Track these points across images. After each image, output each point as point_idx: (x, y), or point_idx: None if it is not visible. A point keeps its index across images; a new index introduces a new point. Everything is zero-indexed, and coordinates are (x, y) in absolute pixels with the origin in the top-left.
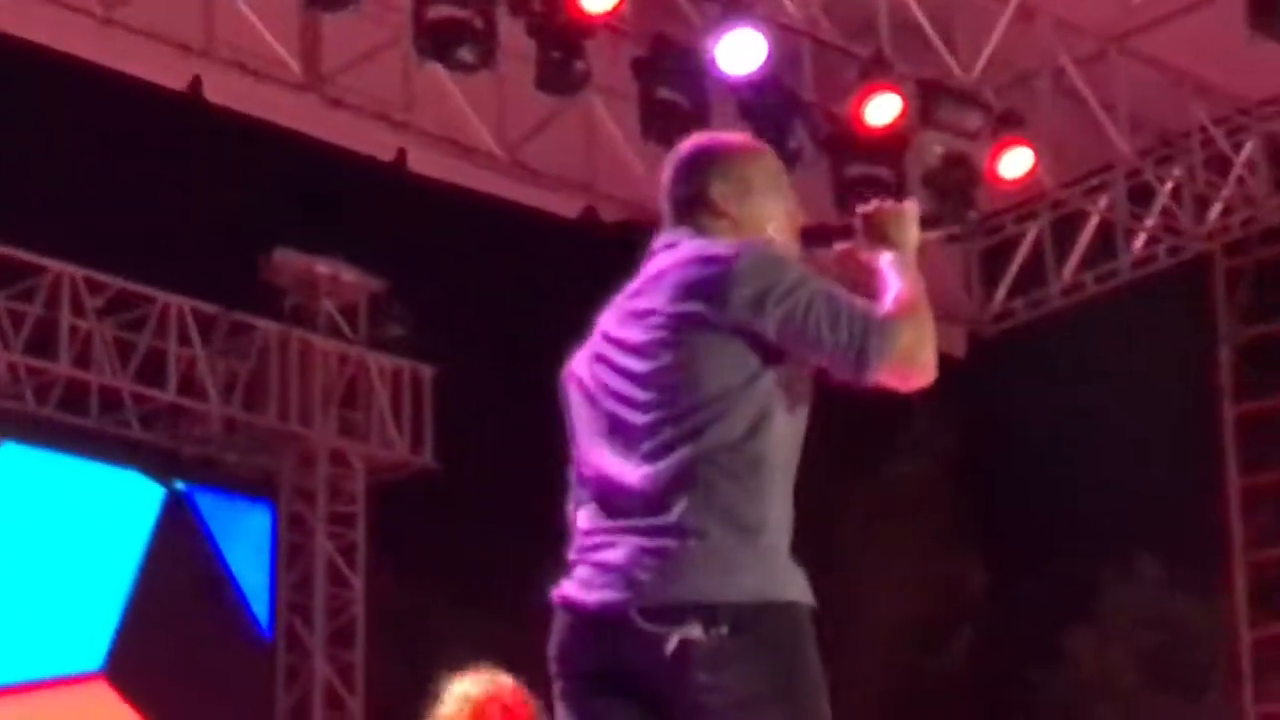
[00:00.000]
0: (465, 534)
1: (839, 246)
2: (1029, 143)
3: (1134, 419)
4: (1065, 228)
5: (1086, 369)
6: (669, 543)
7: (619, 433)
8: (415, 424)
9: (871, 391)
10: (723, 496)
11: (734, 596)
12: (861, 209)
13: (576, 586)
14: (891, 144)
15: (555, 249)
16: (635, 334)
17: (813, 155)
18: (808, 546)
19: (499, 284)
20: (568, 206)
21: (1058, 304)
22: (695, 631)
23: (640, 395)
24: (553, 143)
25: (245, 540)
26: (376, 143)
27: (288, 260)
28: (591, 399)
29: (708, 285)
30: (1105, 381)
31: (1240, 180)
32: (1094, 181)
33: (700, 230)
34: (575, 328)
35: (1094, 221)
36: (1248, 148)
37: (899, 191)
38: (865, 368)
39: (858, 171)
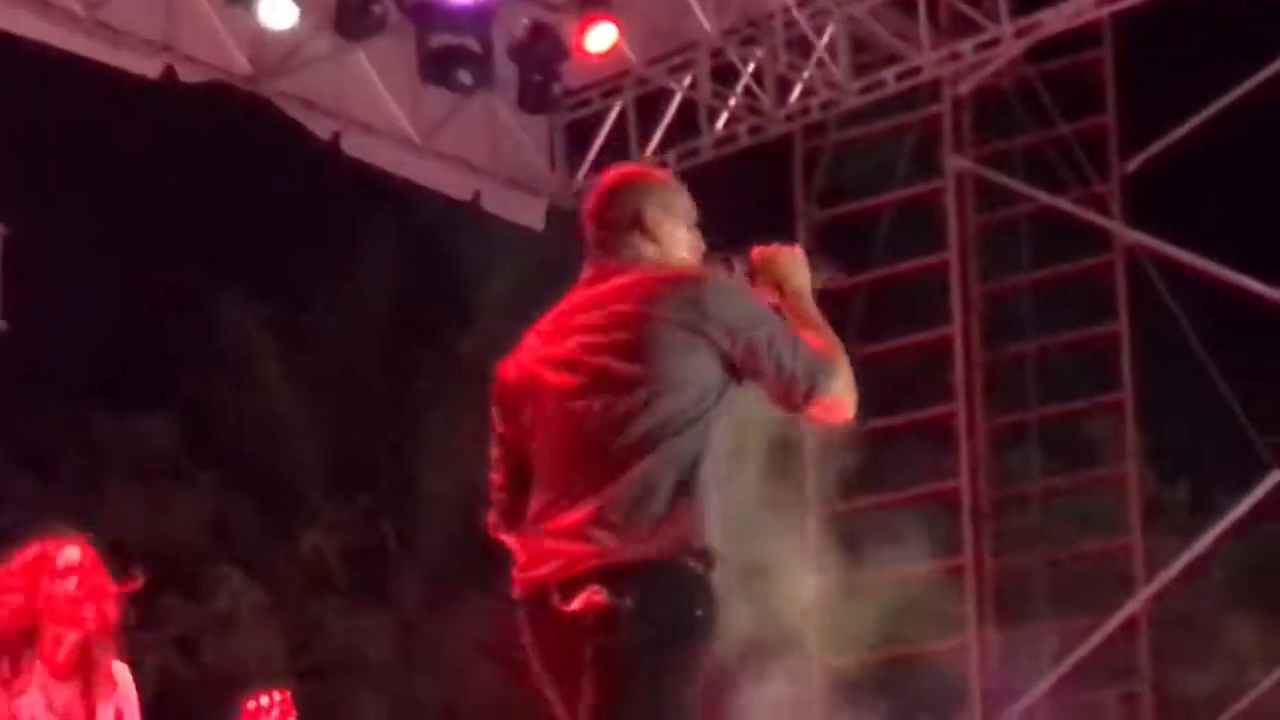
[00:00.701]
0: (34, 397)
1: (735, 277)
2: (614, 18)
3: None
4: (649, 105)
5: None
6: (617, 516)
7: (583, 431)
8: None
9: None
10: (663, 477)
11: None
12: (757, 250)
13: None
14: (478, 15)
15: (134, 109)
16: (600, 337)
17: (398, 23)
18: (380, 418)
19: (76, 143)
20: (148, 66)
21: None
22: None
23: (607, 393)
24: (133, 2)
25: None
26: None
27: None
28: (550, 397)
29: (687, 297)
30: None
31: (821, 63)
32: (678, 59)
33: (633, 250)
34: (153, 187)
35: (677, 99)
36: (829, 31)
37: (486, 63)
38: (809, 400)
39: (444, 41)
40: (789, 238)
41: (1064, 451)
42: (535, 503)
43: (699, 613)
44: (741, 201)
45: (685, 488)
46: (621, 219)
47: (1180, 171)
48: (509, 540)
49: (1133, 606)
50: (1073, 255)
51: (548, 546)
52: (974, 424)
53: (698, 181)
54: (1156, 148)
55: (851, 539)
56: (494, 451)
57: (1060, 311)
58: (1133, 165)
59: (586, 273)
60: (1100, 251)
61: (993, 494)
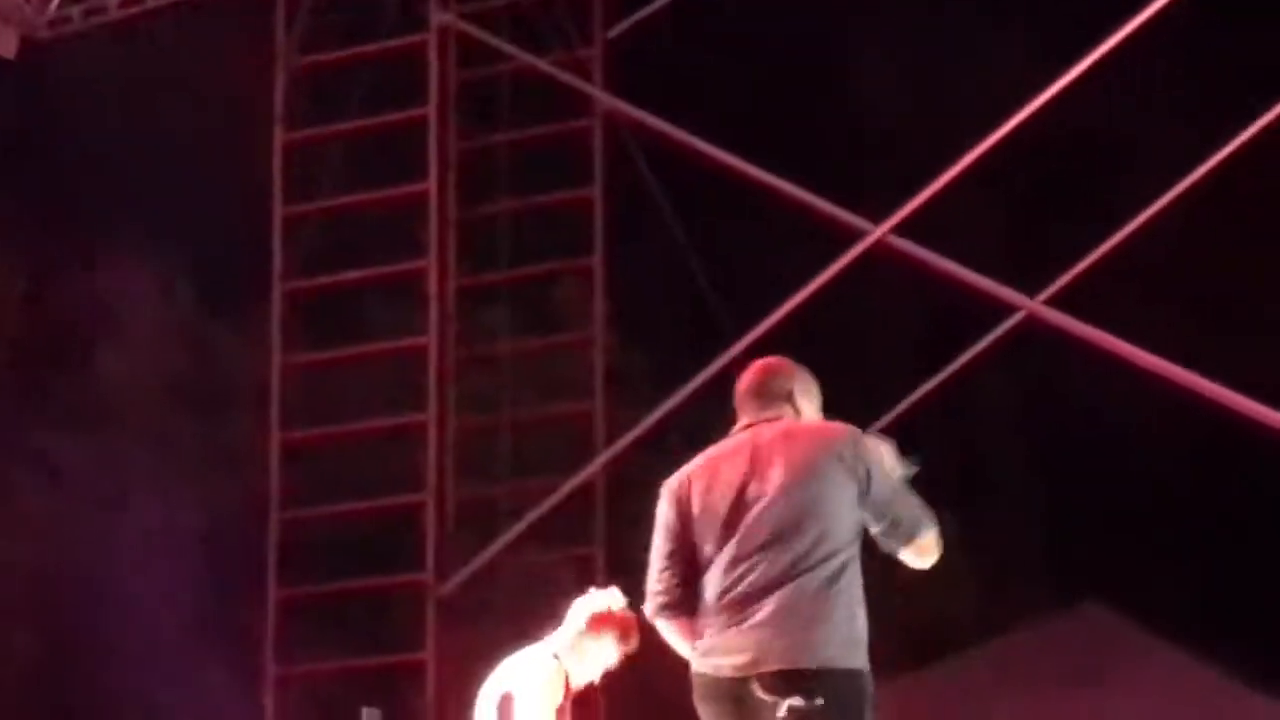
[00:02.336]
0: None
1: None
2: None
3: (192, 139)
4: None
5: (146, 86)
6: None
7: (755, 541)
8: None
9: None
10: (837, 594)
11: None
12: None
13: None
14: None
15: None
16: (774, 474)
17: None
18: None
19: None
20: None
21: (117, 15)
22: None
23: (775, 520)
24: None
25: None
26: None
27: None
28: (725, 512)
29: (842, 447)
30: (164, 100)
31: None
32: None
33: (784, 414)
34: None
35: None
36: None
37: None
38: (908, 544)
39: None
40: (269, 85)
41: (532, 314)
42: (714, 597)
43: (869, 712)
44: (226, 44)
45: (841, 603)
46: (778, 394)
47: (664, 41)
48: (672, 625)
49: (590, 471)
50: (553, 118)
51: (738, 640)
52: (445, 282)
53: (180, 20)
54: (640, 15)
55: (314, 396)
56: (666, 548)
57: (537, 174)
58: (616, 31)
59: (749, 421)
60: (580, 116)
61: (459, 353)
